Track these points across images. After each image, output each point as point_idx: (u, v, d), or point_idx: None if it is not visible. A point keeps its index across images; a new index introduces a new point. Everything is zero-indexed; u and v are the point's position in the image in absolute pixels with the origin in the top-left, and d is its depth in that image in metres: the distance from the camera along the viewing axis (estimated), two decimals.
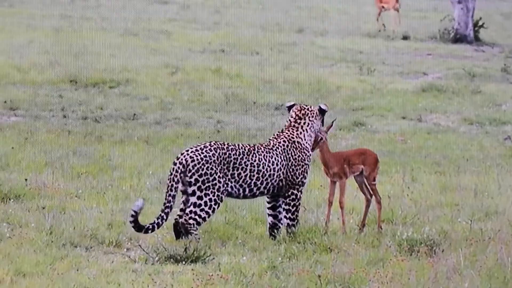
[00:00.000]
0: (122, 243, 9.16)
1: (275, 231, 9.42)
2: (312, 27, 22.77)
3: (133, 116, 15.16)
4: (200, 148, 9.17)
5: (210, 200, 9.10)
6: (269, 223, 9.48)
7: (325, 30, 22.65)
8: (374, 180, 9.67)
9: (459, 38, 23.84)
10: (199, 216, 9.10)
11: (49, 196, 10.55)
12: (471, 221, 9.63)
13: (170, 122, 15.00)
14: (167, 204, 9.14)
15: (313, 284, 8.10)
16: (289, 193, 9.35)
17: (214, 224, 9.60)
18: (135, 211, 9.04)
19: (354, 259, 8.66)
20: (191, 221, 9.10)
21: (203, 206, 9.10)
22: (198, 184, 9.08)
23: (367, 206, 9.64)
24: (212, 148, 9.17)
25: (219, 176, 9.12)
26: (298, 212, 9.41)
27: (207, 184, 9.09)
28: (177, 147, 13.02)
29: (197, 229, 9.13)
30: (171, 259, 8.69)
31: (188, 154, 9.14)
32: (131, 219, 9.04)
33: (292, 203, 9.36)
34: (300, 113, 9.49)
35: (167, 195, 9.14)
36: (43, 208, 9.99)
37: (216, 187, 9.12)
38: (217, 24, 23.08)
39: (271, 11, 23.48)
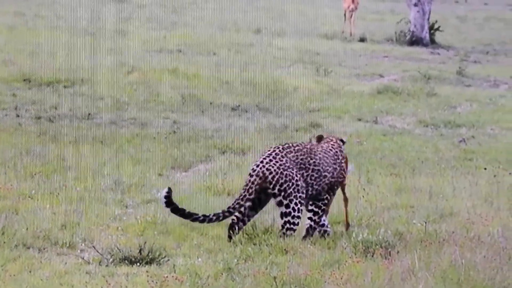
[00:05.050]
0: (76, 244, 9.06)
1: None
2: (270, 28, 22.77)
3: (88, 116, 15.00)
4: (273, 157, 9.21)
5: (296, 204, 9.20)
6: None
7: (282, 31, 22.66)
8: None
9: (415, 41, 24.02)
10: (293, 223, 9.21)
11: (2, 196, 10.39)
12: (426, 222, 9.68)
13: (126, 122, 14.87)
14: (231, 210, 9.15)
15: (269, 286, 8.08)
16: (325, 196, 9.44)
17: (169, 225, 9.53)
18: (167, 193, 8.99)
19: (310, 260, 8.66)
20: (288, 232, 9.21)
21: (292, 213, 9.20)
22: (282, 194, 9.15)
23: (346, 205, 9.71)
24: (284, 153, 9.24)
25: (297, 179, 9.23)
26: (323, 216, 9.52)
27: (289, 191, 9.17)
28: (132, 147, 12.91)
29: (293, 231, 9.22)
30: (126, 261, 8.61)
31: (264, 166, 9.17)
32: (165, 200, 8.99)
33: (322, 207, 9.45)
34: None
35: (236, 202, 9.16)
36: None
37: (296, 189, 9.21)
38: (174, 23, 22.96)
39: (229, 11, 23.44)
